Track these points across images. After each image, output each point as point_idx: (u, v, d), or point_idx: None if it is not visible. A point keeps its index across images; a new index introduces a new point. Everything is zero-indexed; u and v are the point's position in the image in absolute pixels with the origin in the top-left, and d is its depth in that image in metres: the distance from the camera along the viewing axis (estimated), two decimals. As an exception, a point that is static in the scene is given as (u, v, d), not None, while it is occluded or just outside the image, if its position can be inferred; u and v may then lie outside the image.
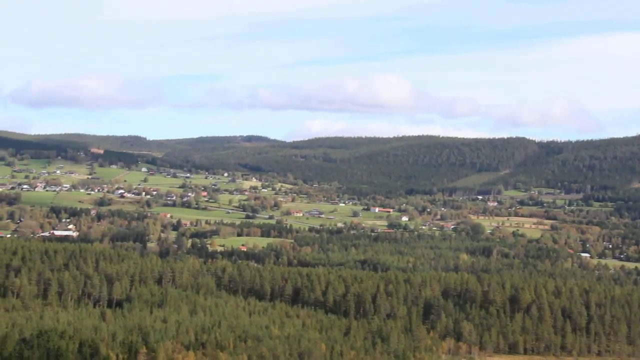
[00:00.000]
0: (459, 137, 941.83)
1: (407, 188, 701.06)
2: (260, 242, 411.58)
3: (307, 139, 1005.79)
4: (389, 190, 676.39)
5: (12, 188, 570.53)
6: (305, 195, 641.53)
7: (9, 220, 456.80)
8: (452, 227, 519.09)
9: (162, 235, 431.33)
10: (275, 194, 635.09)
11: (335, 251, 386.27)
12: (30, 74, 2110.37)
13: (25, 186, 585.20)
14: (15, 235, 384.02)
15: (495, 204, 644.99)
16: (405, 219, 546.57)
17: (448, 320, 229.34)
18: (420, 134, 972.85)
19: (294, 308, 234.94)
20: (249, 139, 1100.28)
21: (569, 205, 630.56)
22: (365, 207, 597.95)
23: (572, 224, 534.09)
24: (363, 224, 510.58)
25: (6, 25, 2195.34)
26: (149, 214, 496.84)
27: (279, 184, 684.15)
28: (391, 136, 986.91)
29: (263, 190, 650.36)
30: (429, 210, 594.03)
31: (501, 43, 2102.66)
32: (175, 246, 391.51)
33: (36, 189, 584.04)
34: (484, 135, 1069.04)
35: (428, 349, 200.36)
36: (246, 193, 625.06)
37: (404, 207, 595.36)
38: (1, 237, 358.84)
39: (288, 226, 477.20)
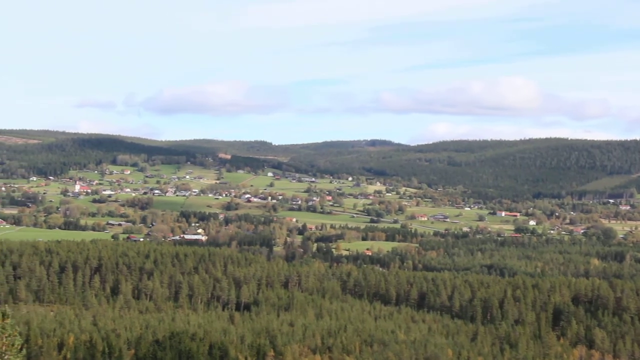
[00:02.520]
0: (588, 139, 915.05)
1: (534, 192, 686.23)
2: (385, 246, 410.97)
3: (431, 142, 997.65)
4: (516, 194, 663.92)
5: (145, 193, 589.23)
6: (429, 199, 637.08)
7: (141, 225, 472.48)
8: (582, 231, 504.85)
9: (288, 239, 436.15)
10: (400, 197, 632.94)
11: (460, 255, 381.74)
12: (161, 83, 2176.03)
13: (156, 191, 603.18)
14: (148, 239, 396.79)
15: (628, 207, 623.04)
16: (532, 223, 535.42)
17: (579, 327, 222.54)
18: (548, 136, 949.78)
19: (419, 313, 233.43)
20: (373, 143, 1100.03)
21: None
22: (491, 211, 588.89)
23: None
24: (489, 228, 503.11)
25: (140, 36, 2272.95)
26: (275, 218, 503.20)
27: (404, 188, 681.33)
28: (517, 139, 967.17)
29: (387, 194, 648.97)
30: (557, 214, 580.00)
31: (633, 43, 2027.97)
32: (301, 250, 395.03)
33: (167, 193, 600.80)
34: (615, 137, 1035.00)
35: (558, 357, 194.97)
36: (370, 197, 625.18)
37: (531, 211, 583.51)
38: (135, 240, 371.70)
39: (413, 230, 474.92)
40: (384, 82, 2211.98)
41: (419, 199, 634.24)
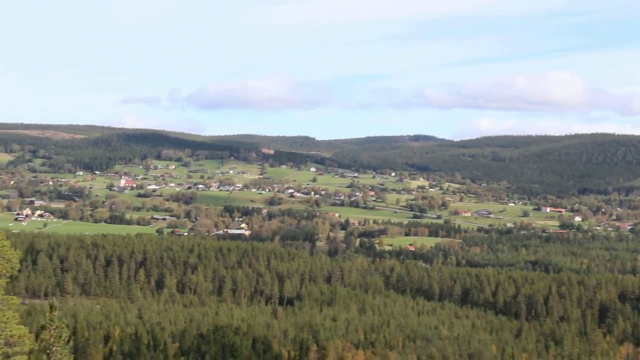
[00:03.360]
0: (636, 134, 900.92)
1: (579, 187, 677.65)
2: (428, 242, 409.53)
3: (475, 137, 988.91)
4: (561, 190, 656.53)
5: (189, 188, 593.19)
6: (473, 195, 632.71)
7: (186, 219, 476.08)
8: (629, 227, 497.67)
9: (331, 234, 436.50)
10: (443, 193, 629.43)
11: (504, 251, 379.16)
12: (205, 78, 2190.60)
13: (200, 186, 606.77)
14: (192, 234, 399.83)
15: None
16: (578, 219, 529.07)
17: (626, 324, 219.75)
18: (594, 132, 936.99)
19: (463, 309, 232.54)
20: (417, 138, 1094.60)
21: None
22: (536, 206, 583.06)
23: None
24: (534, 224, 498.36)
25: (184, 32, 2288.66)
26: (317, 214, 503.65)
27: (447, 184, 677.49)
28: (563, 134, 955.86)
29: (430, 189, 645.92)
30: (603, 210, 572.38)
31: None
32: (344, 245, 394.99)
33: (210, 188, 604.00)
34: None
35: (605, 354, 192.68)
36: (414, 192, 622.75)
37: (576, 207, 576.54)
38: (179, 235, 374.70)
39: (456, 226, 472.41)
40: (428, 78, 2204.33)
41: (463, 194, 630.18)
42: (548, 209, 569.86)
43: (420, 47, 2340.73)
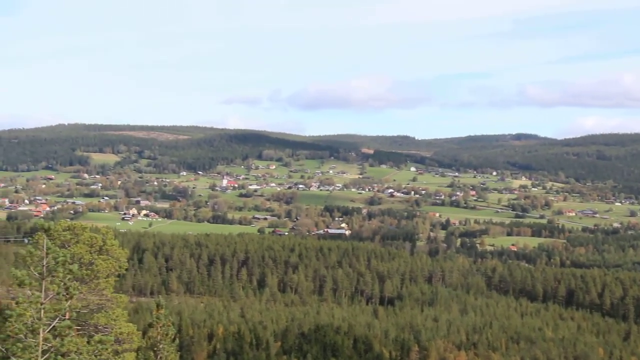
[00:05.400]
0: None
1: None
2: (530, 242, 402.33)
3: (579, 136, 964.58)
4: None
5: (289, 188, 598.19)
6: (577, 194, 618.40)
7: (286, 219, 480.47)
8: None
9: (431, 234, 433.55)
10: (546, 192, 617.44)
11: (611, 252, 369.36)
12: (306, 79, 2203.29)
13: (300, 186, 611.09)
14: (293, 233, 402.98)
15: None
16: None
17: None
18: None
19: (567, 310, 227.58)
20: (518, 137, 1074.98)
21: None
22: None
23: None
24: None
25: (284, 33, 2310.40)
26: (418, 213, 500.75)
27: (550, 183, 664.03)
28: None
29: (533, 189, 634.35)
30: None
31: None
32: (445, 245, 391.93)
33: (311, 188, 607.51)
34: None
35: None
36: (515, 192, 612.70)
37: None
38: (280, 234, 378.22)
39: (560, 226, 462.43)
40: (529, 75, 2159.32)
41: (567, 193, 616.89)
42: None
43: (519, 45, 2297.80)
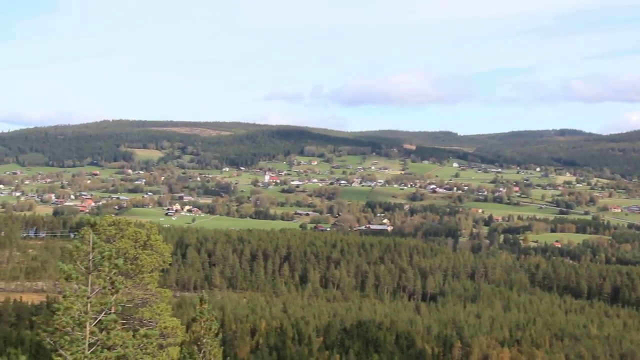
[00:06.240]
0: None
1: None
2: (575, 239, 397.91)
3: (625, 131, 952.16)
4: None
5: (331, 183, 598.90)
6: (623, 190, 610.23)
7: (328, 214, 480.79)
8: None
9: (474, 230, 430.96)
10: (591, 189, 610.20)
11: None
12: (348, 75, 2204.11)
13: (342, 182, 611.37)
14: (335, 229, 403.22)
15: None
16: None
17: None
18: None
19: (613, 307, 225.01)
20: (562, 132, 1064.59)
21: None
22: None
23: None
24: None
25: (326, 30, 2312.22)
26: (460, 209, 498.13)
27: (595, 179, 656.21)
28: None
29: (577, 185, 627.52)
30: None
31: None
32: (487, 241, 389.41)
33: (353, 184, 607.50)
34: None
35: None
36: (559, 188, 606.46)
37: None
38: (322, 230, 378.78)
39: (605, 222, 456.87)
40: (573, 71, 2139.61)
41: (612, 190, 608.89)
42: None
43: (562, 40, 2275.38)
